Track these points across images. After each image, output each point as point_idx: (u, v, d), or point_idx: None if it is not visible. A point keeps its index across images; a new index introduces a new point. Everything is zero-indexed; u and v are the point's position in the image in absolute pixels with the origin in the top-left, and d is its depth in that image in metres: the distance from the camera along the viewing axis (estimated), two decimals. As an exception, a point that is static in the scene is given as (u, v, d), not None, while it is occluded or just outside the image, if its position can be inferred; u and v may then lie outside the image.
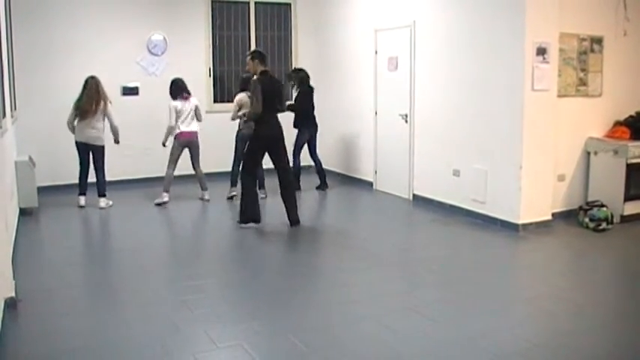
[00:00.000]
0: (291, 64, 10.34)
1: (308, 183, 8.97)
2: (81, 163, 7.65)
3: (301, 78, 8.65)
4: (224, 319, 4.23)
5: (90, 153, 7.60)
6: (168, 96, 7.85)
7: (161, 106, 8.07)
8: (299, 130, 8.71)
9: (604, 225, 6.49)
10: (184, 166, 8.03)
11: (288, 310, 4.42)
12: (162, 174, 7.97)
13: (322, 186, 8.89)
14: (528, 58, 6.25)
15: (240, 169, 7.03)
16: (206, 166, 9.18)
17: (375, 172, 8.91)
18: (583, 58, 6.90)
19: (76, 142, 7.56)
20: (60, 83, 8.52)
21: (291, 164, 7.19)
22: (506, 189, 6.55)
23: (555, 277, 5.25)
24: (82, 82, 7.49)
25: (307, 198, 8.44)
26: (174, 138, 7.85)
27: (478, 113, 6.88)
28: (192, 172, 8.08)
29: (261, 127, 6.56)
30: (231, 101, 8.52)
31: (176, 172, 7.96)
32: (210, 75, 9.74)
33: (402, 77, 8.11)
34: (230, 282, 5.06)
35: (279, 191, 6.78)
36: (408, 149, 8.08)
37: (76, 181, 7.78)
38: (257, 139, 6.62)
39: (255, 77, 6.62)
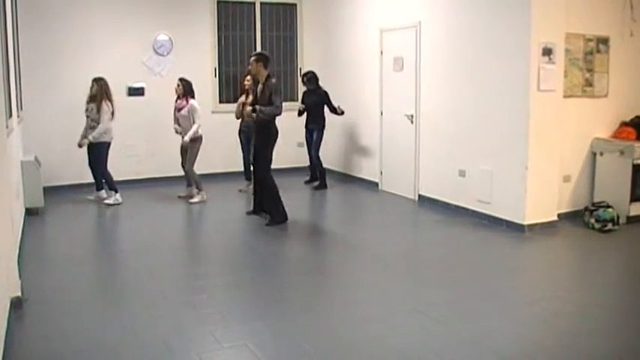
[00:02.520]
0: (297, 65, 10.36)
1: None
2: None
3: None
4: (229, 319, 4.23)
5: None
6: (173, 93, 7.91)
7: (166, 106, 8.09)
8: (322, 129, 8.91)
9: (610, 226, 6.47)
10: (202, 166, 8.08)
11: (293, 310, 4.43)
12: (168, 174, 8.02)
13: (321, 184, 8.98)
14: (534, 58, 6.23)
15: (262, 170, 6.94)
16: (212, 167, 9.23)
17: (381, 172, 8.91)
18: (589, 59, 6.88)
19: (109, 143, 7.72)
20: (66, 83, 8.55)
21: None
22: (512, 190, 6.54)
23: (561, 278, 5.24)
24: (90, 83, 7.59)
25: (311, 198, 8.44)
26: (199, 140, 7.88)
27: (484, 114, 6.87)
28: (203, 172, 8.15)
29: (273, 126, 6.82)
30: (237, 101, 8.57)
31: (175, 174, 8.03)
32: (215, 75, 9.75)
33: (407, 77, 8.10)
34: (235, 282, 5.06)
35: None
36: (414, 150, 8.07)
37: (82, 181, 7.84)
38: (274, 137, 6.87)
39: (273, 80, 6.75)
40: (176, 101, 7.92)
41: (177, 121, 7.93)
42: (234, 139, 8.50)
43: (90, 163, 7.79)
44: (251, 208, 7.27)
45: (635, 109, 7.19)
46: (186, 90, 7.81)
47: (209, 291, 4.80)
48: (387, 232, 6.85)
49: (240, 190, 8.58)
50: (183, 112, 7.79)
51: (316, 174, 9.04)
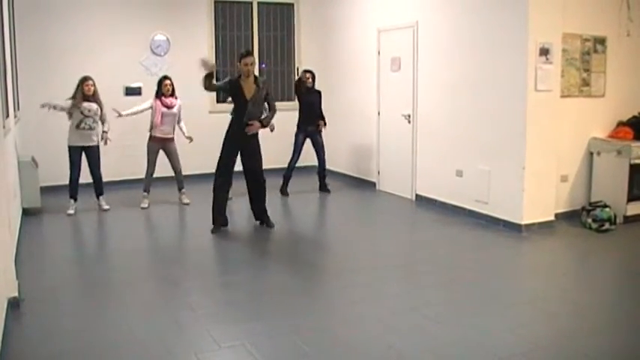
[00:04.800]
0: (294, 65, 10.36)
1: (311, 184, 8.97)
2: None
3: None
4: (226, 320, 4.23)
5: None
6: (175, 92, 7.85)
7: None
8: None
9: (607, 225, 6.48)
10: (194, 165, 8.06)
11: (290, 310, 4.42)
12: (166, 174, 8.00)
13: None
14: (531, 58, 6.24)
15: (261, 172, 6.75)
16: (209, 167, 9.19)
17: (378, 172, 8.91)
18: (586, 59, 6.89)
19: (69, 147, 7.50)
20: (63, 83, 8.47)
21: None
22: (509, 189, 6.54)
23: (558, 278, 5.24)
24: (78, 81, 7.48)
25: (310, 198, 8.44)
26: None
27: (481, 114, 6.88)
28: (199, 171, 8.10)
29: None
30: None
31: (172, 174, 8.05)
32: (213, 75, 9.72)
33: (404, 77, 8.10)
34: (232, 282, 5.06)
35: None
36: (411, 150, 8.08)
37: (80, 181, 7.79)
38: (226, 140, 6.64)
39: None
40: (161, 99, 7.69)
41: (162, 120, 7.70)
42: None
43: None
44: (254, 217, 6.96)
45: (633, 109, 7.20)
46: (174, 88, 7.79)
47: (207, 291, 4.79)
48: (384, 231, 6.85)
49: None
50: (174, 109, 7.74)
51: (323, 178, 8.79)
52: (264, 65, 10.18)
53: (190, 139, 7.85)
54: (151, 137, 7.81)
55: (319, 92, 8.72)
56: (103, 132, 7.48)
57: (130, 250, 6.04)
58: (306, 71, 8.73)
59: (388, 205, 8.11)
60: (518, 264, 5.69)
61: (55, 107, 7.26)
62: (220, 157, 6.63)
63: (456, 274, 5.19)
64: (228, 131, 6.63)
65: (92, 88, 7.40)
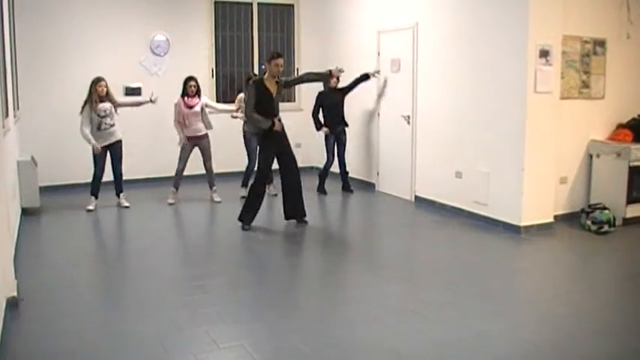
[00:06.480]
0: (294, 65, 10.36)
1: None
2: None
3: None
4: (226, 320, 4.23)
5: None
6: (170, 93, 7.96)
7: (163, 106, 8.08)
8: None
9: (606, 228, 6.48)
10: (192, 165, 8.14)
11: (289, 310, 4.43)
12: (165, 174, 8.05)
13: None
14: (531, 60, 6.24)
15: (297, 168, 6.84)
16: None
17: (378, 173, 8.91)
18: (586, 61, 6.89)
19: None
20: (63, 83, 8.53)
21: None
22: (509, 191, 6.54)
23: (557, 280, 5.25)
24: (90, 83, 7.48)
25: (308, 198, 8.43)
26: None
27: (481, 115, 6.88)
28: (200, 172, 8.16)
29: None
30: (234, 102, 8.58)
31: (172, 174, 8.10)
32: (212, 76, 9.75)
33: (404, 79, 8.11)
34: (232, 283, 5.06)
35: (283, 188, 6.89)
36: (411, 151, 8.08)
37: (79, 180, 7.81)
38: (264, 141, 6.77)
39: (251, 80, 6.74)
40: (184, 99, 7.77)
41: (186, 120, 7.78)
42: (231, 139, 8.47)
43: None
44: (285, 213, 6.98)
45: (632, 111, 7.21)
46: (199, 88, 7.91)
47: (206, 291, 4.79)
48: (383, 233, 6.86)
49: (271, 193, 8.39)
50: (196, 108, 7.80)
51: (346, 178, 8.81)
52: (263, 66, 10.16)
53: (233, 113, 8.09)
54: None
55: (342, 90, 8.59)
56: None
57: (129, 250, 6.04)
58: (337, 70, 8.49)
59: (387, 207, 8.11)
60: (517, 265, 5.68)
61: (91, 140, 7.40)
62: (262, 162, 6.74)
63: (456, 275, 5.19)
64: (260, 135, 6.76)
65: (105, 89, 7.47)
